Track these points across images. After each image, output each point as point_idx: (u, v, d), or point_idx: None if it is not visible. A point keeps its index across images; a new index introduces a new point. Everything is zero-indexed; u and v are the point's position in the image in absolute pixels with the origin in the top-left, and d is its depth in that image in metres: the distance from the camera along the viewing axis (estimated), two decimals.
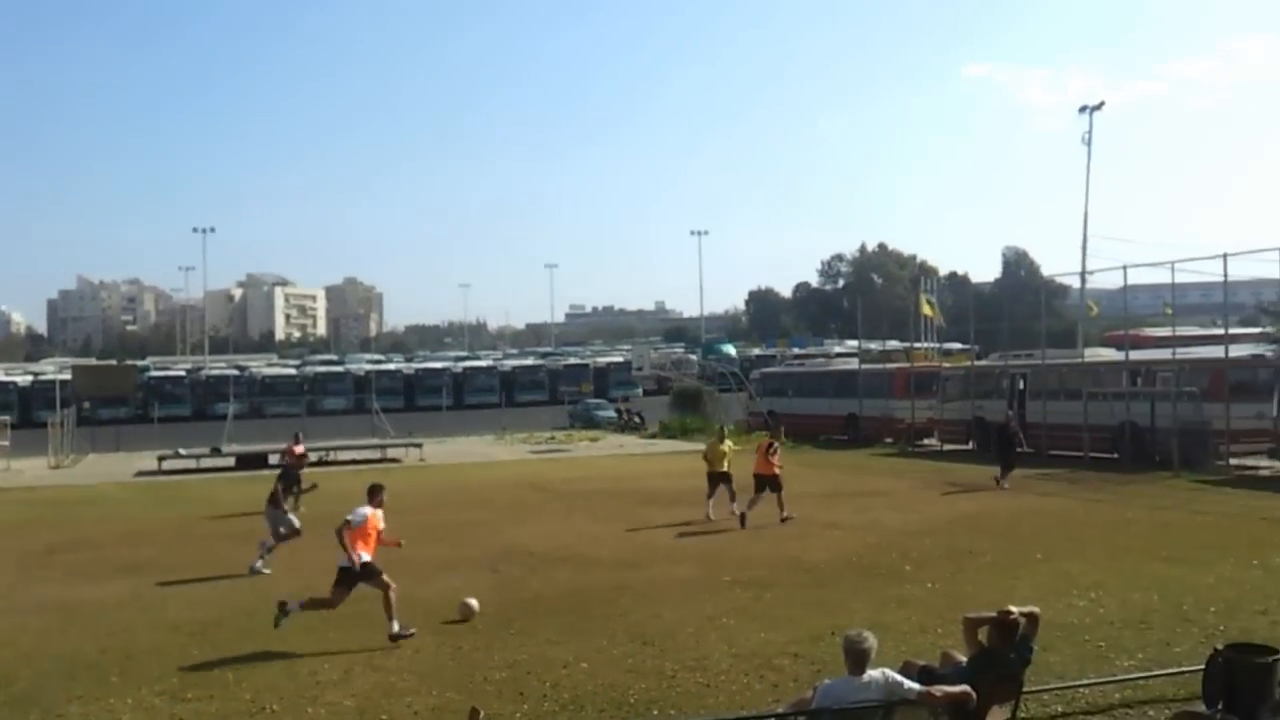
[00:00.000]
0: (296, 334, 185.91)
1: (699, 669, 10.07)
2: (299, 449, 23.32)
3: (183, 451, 36.01)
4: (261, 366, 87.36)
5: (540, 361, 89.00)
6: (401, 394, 75.35)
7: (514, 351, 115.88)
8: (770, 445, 20.71)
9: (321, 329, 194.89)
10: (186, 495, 27.57)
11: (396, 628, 11.43)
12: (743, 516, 19.18)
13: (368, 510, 11.89)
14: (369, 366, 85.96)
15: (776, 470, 20.13)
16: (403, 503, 17.80)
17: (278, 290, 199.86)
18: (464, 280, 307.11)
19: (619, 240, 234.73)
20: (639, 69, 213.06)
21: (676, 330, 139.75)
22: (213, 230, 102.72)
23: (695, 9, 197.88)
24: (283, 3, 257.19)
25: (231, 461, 35.61)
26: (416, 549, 17.10)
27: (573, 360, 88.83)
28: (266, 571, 15.76)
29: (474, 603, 12.56)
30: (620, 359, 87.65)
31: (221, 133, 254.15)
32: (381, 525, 12.07)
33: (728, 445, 21.52)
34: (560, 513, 22.25)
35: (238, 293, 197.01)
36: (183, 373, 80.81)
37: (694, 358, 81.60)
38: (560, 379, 78.38)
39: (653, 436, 46.05)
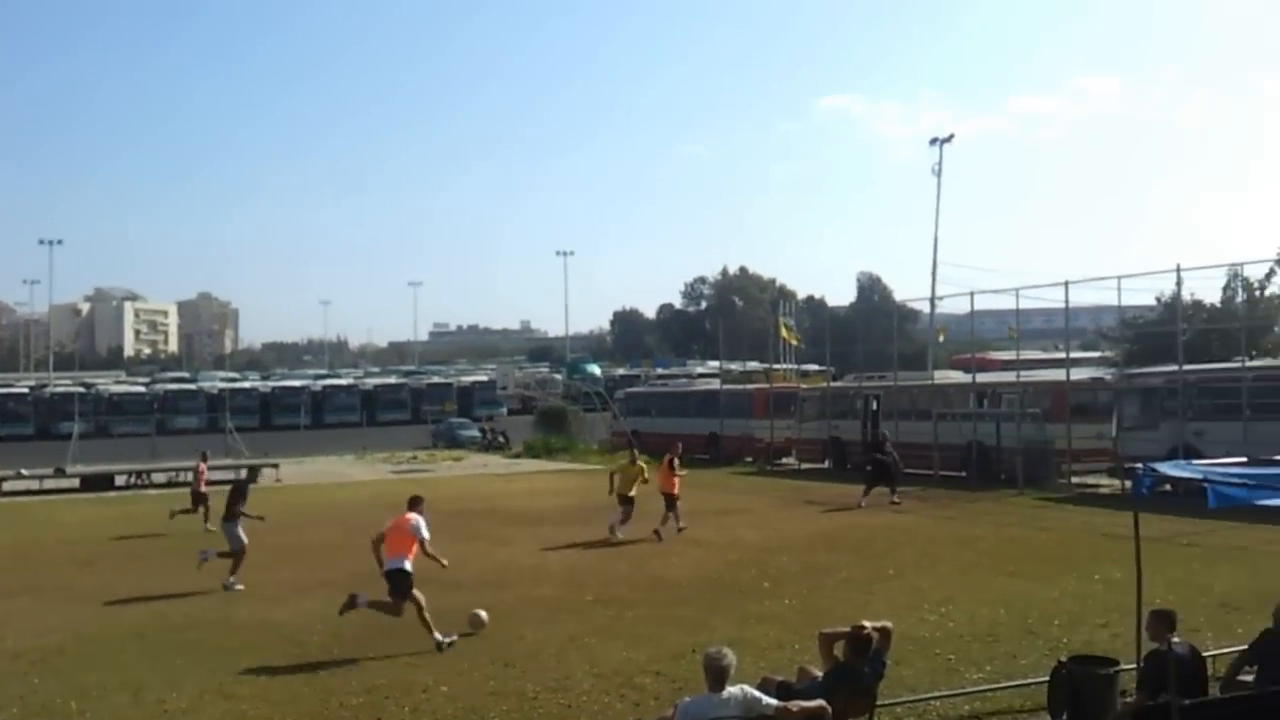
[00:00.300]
0: (147, 350, 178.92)
1: (561, 689, 10.00)
2: (204, 468, 23.36)
3: (24, 472, 34.16)
4: (109, 384, 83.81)
5: (403, 380, 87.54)
6: (257, 413, 73.11)
7: (376, 370, 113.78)
8: (672, 461, 21.15)
9: (174, 345, 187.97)
10: (28, 518, 26.14)
11: (440, 636, 11.76)
12: (623, 531, 19.69)
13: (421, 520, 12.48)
14: (223, 384, 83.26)
15: (677, 487, 20.73)
16: (257, 525, 17.23)
17: (127, 305, 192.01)
18: (325, 297, 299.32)
19: (484, 259, 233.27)
20: (505, 90, 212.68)
21: (542, 350, 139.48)
22: (60, 243, 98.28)
23: (561, 34, 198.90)
24: (141, 14, 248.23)
25: (76, 483, 33.94)
26: (270, 572, 16.61)
27: (436, 379, 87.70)
28: (240, 588, 15.50)
29: (483, 614, 12.52)
30: (485, 378, 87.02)
31: (71, 143, 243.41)
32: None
33: (641, 466, 21.35)
34: None
35: (85, 307, 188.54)
36: (25, 390, 76.90)
37: (559, 377, 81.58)
38: (423, 398, 77.27)
39: (517, 456, 45.73)
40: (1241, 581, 13.97)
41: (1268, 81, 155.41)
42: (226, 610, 14.12)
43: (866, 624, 7.70)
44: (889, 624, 8.03)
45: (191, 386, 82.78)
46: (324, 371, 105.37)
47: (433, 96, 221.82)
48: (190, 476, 24.11)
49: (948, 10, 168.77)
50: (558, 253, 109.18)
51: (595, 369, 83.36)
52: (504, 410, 72.74)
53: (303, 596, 14.88)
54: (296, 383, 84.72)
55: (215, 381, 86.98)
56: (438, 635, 11.71)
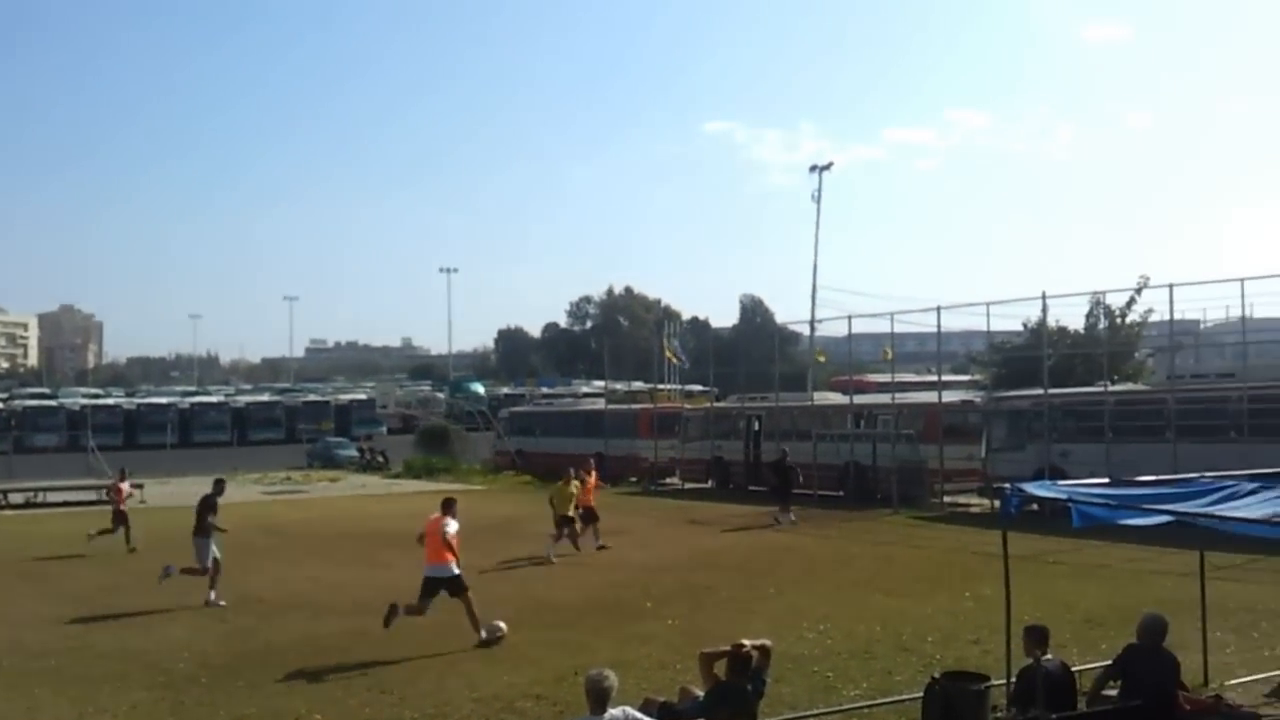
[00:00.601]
0: (5, 365, 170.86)
1: (439, 715, 9.82)
2: (125, 486, 23.32)
3: None
4: None
5: (277, 398, 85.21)
6: (121, 431, 70.31)
7: (248, 387, 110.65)
8: (586, 476, 22.22)
9: (33, 359, 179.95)
10: None
11: (485, 634, 12.61)
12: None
13: (455, 524, 13.33)
14: (85, 401, 79.97)
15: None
16: (121, 548, 16.57)
17: None
18: (195, 310, 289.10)
19: (365, 275, 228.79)
20: (391, 105, 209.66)
21: (424, 368, 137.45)
22: None
23: (445, 51, 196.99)
24: (4, 27, 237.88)
25: None
26: (133, 598, 15.97)
27: (313, 397, 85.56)
28: (222, 604, 15.47)
29: (502, 625, 12.72)
30: (364, 396, 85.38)
31: None
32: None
33: (575, 487, 21.35)
34: (295, 557, 21.26)
35: None
36: None
37: (441, 396, 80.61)
38: (299, 416, 75.26)
39: (397, 476, 44.98)
40: (1104, 598, 14.50)
41: (1130, 115, 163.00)
42: (86, 638, 13.51)
43: (746, 642, 7.75)
44: (768, 642, 8.09)
45: (52, 403, 79.33)
46: (193, 388, 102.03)
47: (309, 109, 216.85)
48: (107, 495, 23.63)
49: (826, 43, 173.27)
50: (441, 269, 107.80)
51: (479, 388, 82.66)
52: (384, 429, 71.41)
53: (168, 623, 14.33)
54: (163, 400, 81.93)
55: (77, 398, 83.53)
56: (483, 633, 12.62)
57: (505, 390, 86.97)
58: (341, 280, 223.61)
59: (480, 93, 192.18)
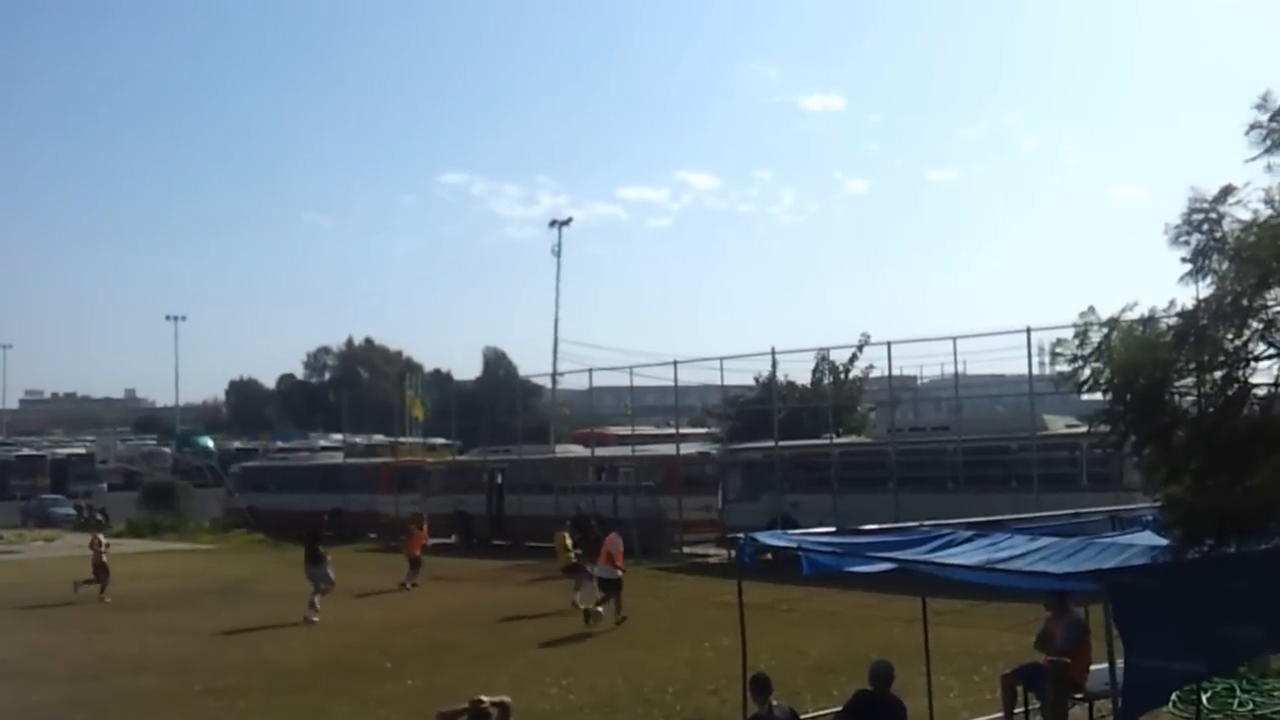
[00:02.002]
0: None
1: None
2: (101, 539, 24.27)
3: None
4: None
5: None
6: None
7: None
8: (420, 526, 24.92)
9: None
10: None
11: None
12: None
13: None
14: None
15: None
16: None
17: None
18: None
19: (85, 321, 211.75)
20: (116, 145, 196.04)
21: (149, 420, 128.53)
22: None
23: (177, 92, 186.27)
24: None
25: None
26: None
27: (27, 451, 78.48)
28: (315, 620, 17.39)
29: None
30: (83, 450, 79.01)
31: None
32: None
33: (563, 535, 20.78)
34: (5, 622, 19.37)
35: None
36: None
37: (168, 450, 75.67)
38: (12, 472, 68.81)
39: (119, 536, 41.51)
40: (836, 644, 14.99)
41: (850, 181, 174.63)
42: None
43: (485, 699, 7.48)
44: (507, 699, 7.82)
45: None
46: None
47: (15, 141, 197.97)
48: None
49: (561, 98, 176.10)
50: (167, 317, 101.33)
51: (208, 441, 78.33)
52: (104, 486, 66.27)
53: None
54: None
55: None
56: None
57: (237, 444, 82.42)
58: (59, 327, 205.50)
59: (207, 133, 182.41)
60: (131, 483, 62.39)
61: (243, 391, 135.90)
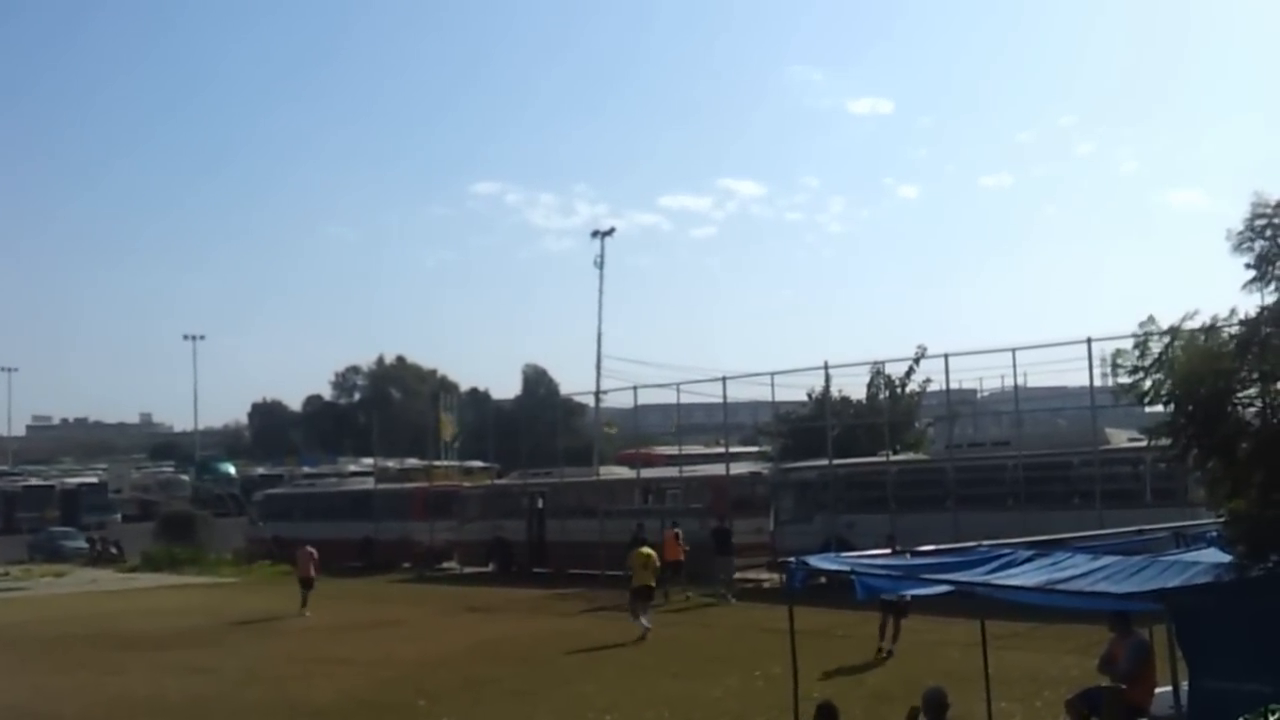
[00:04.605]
0: None
1: None
2: None
3: None
4: None
5: None
6: None
7: None
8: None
9: None
10: None
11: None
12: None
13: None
14: None
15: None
16: None
17: None
18: None
19: (96, 343, 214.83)
20: (117, 149, 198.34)
21: (166, 446, 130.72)
22: None
23: (182, 89, 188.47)
24: None
25: None
26: None
27: (35, 481, 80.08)
28: None
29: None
30: (95, 479, 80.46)
31: None
32: None
33: (648, 551, 21.85)
34: (12, 664, 19.89)
35: None
36: None
37: (186, 478, 76.96)
38: (18, 503, 70.17)
39: (133, 570, 42.51)
40: (892, 671, 15.21)
41: (900, 188, 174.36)
42: None
43: None
44: None
45: None
46: None
47: (12, 147, 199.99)
48: None
49: (595, 104, 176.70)
50: (185, 336, 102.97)
51: (229, 468, 79.49)
52: (118, 517, 67.46)
53: None
54: None
55: None
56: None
57: (261, 470, 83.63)
58: (69, 349, 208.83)
59: (221, 141, 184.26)
60: (147, 513, 63.42)
61: (267, 414, 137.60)
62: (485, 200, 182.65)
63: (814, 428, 30.44)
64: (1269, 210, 7.34)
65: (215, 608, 27.62)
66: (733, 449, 33.21)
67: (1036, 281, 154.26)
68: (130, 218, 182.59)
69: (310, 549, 27.01)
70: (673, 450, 36.92)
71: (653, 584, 21.38)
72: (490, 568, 34.50)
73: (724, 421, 32.86)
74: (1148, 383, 7.59)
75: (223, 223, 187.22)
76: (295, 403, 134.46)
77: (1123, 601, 8.02)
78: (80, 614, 27.70)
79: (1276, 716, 10.71)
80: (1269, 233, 7.32)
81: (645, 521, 29.66)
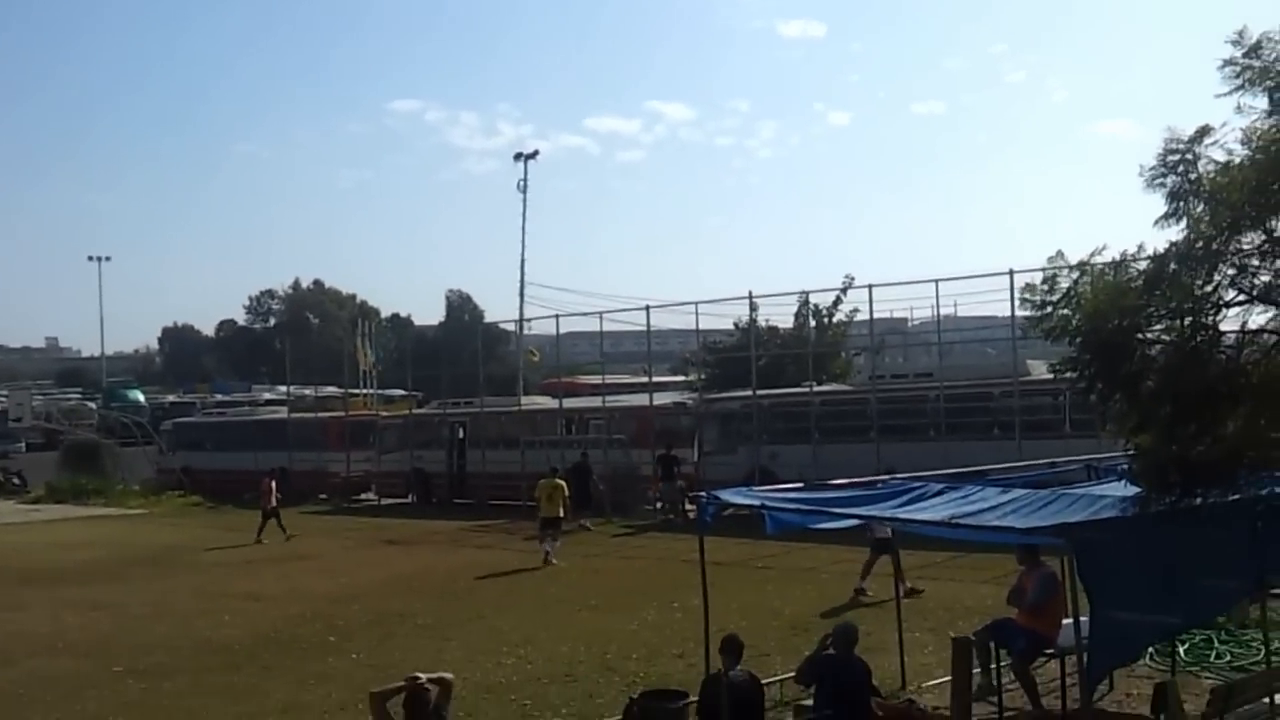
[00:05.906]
0: None
1: None
2: None
3: None
4: None
5: None
6: None
7: None
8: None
9: None
10: None
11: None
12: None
13: None
14: None
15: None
16: None
17: None
18: None
19: None
20: (23, 67, 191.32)
21: (73, 372, 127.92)
22: None
23: (86, 11, 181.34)
24: None
25: None
26: None
27: None
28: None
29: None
30: None
31: None
32: None
33: (559, 483, 22.49)
34: None
35: None
36: None
37: (93, 406, 75.56)
38: None
39: (36, 501, 41.87)
40: (811, 603, 15.47)
41: (832, 114, 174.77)
42: None
43: (422, 676, 7.74)
44: (449, 675, 8.11)
45: None
46: None
47: None
48: None
49: (519, 20, 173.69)
50: (90, 257, 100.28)
51: (138, 395, 78.24)
52: (21, 446, 66.24)
53: None
54: None
55: None
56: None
57: (172, 398, 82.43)
58: None
59: (123, 48, 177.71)
60: (52, 442, 62.39)
61: (178, 339, 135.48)
62: (404, 118, 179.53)
63: (740, 358, 30.66)
64: (1181, 145, 7.40)
65: (122, 540, 27.36)
66: (661, 379, 33.42)
67: (967, 211, 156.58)
68: (35, 136, 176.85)
69: (268, 479, 26.91)
70: (598, 380, 36.99)
71: (559, 515, 21.78)
72: (410, 499, 34.48)
73: (648, 350, 32.95)
74: (1055, 317, 7.69)
75: (131, 141, 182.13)
76: (208, 328, 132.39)
77: (1026, 536, 8.23)
78: None
79: (1184, 646, 11.19)
80: (1181, 169, 7.39)
81: (566, 453, 29.71)
